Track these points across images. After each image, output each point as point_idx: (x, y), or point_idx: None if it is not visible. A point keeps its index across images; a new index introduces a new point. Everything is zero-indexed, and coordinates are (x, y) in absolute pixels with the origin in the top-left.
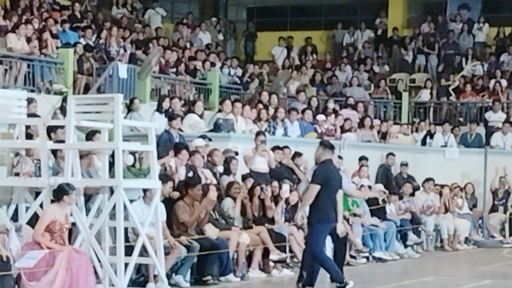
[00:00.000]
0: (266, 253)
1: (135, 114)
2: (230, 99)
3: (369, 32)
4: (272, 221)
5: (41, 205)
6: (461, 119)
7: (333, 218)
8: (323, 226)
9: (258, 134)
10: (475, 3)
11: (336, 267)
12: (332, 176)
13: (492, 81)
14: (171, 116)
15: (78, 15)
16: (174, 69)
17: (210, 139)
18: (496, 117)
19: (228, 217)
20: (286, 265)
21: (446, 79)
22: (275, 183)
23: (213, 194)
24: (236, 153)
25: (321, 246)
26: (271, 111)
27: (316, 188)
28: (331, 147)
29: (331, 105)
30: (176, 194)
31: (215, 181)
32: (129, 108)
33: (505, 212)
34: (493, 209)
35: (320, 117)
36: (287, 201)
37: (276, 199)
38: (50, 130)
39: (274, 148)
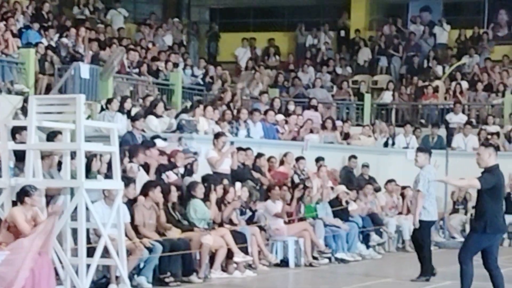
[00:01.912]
0: (229, 254)
1: (108, 114)
2: (193, 100)
3: (332, 34)
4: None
5: (1, 206)
6: (423, 121)
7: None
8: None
9: (218, 135)
10: (436, 6)
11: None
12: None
13: (453, 83)
14: (133, 117)
15: (41, 15)
16: (137, 70)
17: (165, 139)
18: (457, 119)
19: (195, 218)
20: (249, 267)
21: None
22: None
23: (174, 195)
24: (195, 153)
25: (473, 255)
26: (234, 112)
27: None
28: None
29: (291, 106)
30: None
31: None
32: (107, 107)
33: (465, 213)
34: (454, 210)
35: (279, 117)
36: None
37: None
38: (15, 131)
39: (237, 149)
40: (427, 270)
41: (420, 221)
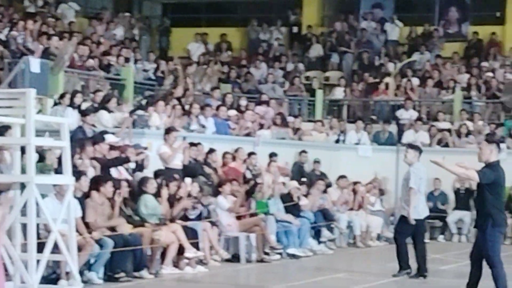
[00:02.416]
0: (180, 250)
1: (60, 108)
2: (144, 95)
3: (284, 30)
4: (186, 218)
5: None
6: (374, 117)
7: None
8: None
9: (169, 130)
10: (388, 2)
11: (507, 285)
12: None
13: (404, 80)
14: (84, 111)
15: None
16: (88, 64)
17: (113, 133)
18: (407, 115)
19: (146, 213)
20: (200, 262)
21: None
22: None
23: (124, 190)
24: (145, 148)
25: (499, 254)
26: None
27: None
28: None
29: (243, 102)
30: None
31: (129, 177)
32: (60, 102)
33: None
34: None
35: (232, 112)
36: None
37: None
38: None
39: (189, 145)
40: (405, 265)
41: (403, 217)
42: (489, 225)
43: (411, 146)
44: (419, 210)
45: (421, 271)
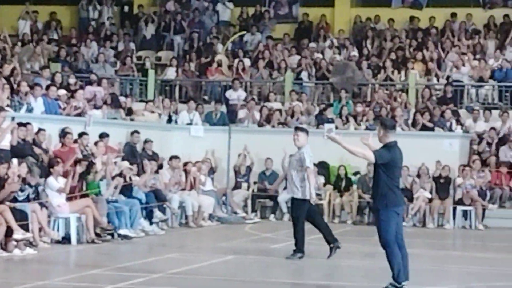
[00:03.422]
0: (8, 232)
1: None
2: None
3: (115, 9)
4: (15, 199)
5: None
6: (206, 98)
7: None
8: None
9: None
10: None
11: (402, 266)
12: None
13: (236, 60)
14: None
15: None
16: None
17: None
18: (235, 96)
19: None
20: (30, 244)
21: (206, 56)
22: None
23: None
24: None
25: (393, 233)
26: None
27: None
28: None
29: (72, 80)
30: None
31: None
32: None
33: (248, 189)
34: (236, 186)
35: (61, 92)
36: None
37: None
38: None
39: (17, 125)
40: (301, 248)
41: (298, 200)
42: (383, 205)
43: (300, 129)
44: (311, 190)
45: (334, 241)
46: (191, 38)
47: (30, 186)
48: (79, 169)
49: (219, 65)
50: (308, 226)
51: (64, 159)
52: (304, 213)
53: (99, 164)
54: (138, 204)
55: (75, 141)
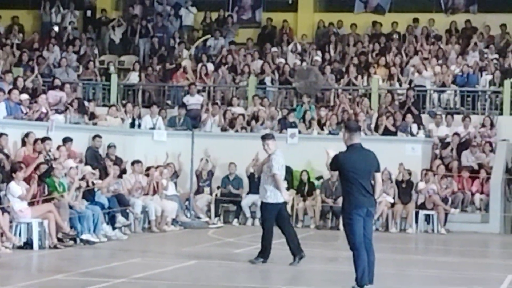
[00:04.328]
0: None
1: None
2: None
3: (78, 13)
4: None
5: None
6: (169, 102)
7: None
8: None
9: None
10: None
11: (366, 269)
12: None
13: (199, 65)
14: None
15: None
16: None
17: None
18: (194, 100)
19: None
20: None
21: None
22: None
23: None
24: None
25: (360, 236)
26: None
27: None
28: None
29: (35, 86)
30: None
31: None
32: None
33: (211, 193)
34: (199, 190)
35: (24, 96)
36: None
37: None
38: None
39: None
40: (265, 252)
41: (266, 204)
42: (344, 208)
43: (268, 137)
44: (277, 195)
45: (298, 253)
46: (154, 43)
47: None
48: (41, 173)
49: (185, 70)
50: (275, 230)
51: (26, 164)
52: (273, 217)
53: (60, 168)
54: (98, 210)
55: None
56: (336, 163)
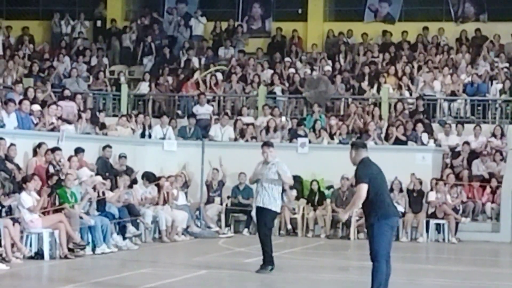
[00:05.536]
0: None
1: None
2: None
3: (88, 24)
4: None
5: None
6: (180, 112)
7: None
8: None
9: None
10: None
11: (383, 283)
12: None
13: (209, 75)
14: None
15: None
16: None
17: None
18: (203, 110)
19: None
20: (2, 260)
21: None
22: None
23: None
24: None
25: (385, 248)
26: None
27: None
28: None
29: (46, 96)
30: None
31: None
32: None
33: (221, 203)
34: (209, 200)
35: (35, 107)
36: None
37: None
38: None
39: None
40: (269, 261)
41: (268, 210)
42: (375, 219)
43: (268, 144)
44: (278, 203)
45: (269, 263)
46: (163, 53)
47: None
48: (52, 184)
49: (197, 82)
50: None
51: (36, 174)
52: (269, 223)
53: (72, 179)
54: (108, 221)
55: (46, 156)
56: (369, 175)
